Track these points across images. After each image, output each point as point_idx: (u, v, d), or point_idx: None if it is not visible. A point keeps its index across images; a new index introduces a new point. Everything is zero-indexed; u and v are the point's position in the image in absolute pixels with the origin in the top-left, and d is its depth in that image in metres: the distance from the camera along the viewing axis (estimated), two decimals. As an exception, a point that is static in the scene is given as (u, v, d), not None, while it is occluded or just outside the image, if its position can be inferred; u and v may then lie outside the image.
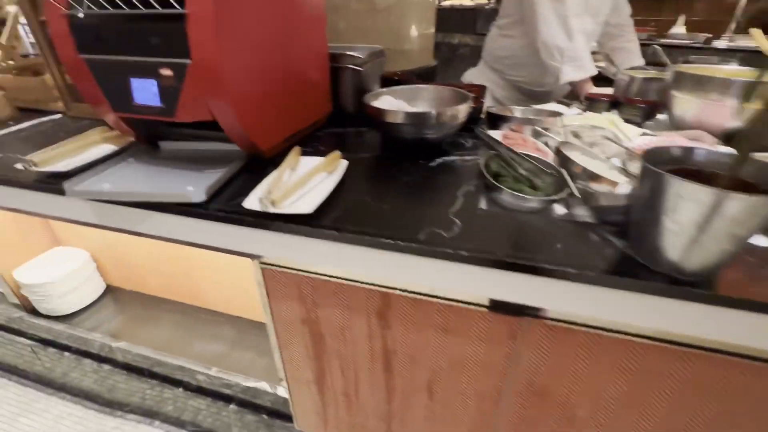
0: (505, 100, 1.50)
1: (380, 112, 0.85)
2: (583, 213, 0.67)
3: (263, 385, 0.98)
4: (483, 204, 0.68)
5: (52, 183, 0.75)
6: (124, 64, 0.71)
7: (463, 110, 0.85)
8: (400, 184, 0.75)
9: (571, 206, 0.69)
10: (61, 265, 1.21)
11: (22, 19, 1.41)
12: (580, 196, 0.68)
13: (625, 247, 0.56)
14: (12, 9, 1.38)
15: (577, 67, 1.32)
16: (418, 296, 0.64)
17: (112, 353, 1.15)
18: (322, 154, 0.84)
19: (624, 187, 0.76)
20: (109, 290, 1.34)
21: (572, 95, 1.67)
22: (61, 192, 0.73)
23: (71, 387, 1.38)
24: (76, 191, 0.68)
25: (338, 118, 1.12)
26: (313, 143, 0.96)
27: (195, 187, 0.71)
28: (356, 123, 1.13)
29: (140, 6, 0.64)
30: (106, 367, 1.18)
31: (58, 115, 1.22)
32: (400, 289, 0.64)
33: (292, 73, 0.88)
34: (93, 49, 0.72)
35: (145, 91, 0.72)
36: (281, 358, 0.86)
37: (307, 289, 0.71)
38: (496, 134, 0.99)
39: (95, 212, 0.76)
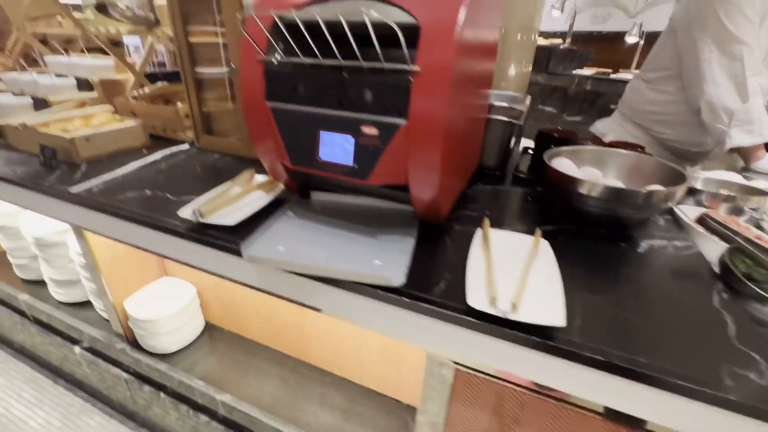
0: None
1: (572, 180, 0.72)
2: None
3: (390, 479, 0.84)
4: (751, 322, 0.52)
5: (218, 238, 0.68)
6: (318, 117, 0.63)
7: (680, 192, 0.70)
8: (622, 277, 0.61)
9: None
10: (169, 300, 1.15)
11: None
12: None
13: None
14: (150, 38, 1.41)
15: (748, 131, 1.15)
16: (688, 448, 0.48)
17: (213, 404, 1.06)
18: (494, 221, 0.73)
19: None
20: (208, 328, 1.27)
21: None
22: (230, 250, 0.66)
23: (153, 424, 1.31)
24: (254, 257, 0.60)
25: (478, 173, 1.02)
26: (471, 205, 0.84)
27: (383, 262, 0.61)
28: (498, 180, 1.01)
29: (360, 59, 0.56)
30: (203, 417, 1.09)
31: (185, 146, 1.19)
32: (663, 436, 0.49)
33: (471, 127, 0.78)
34: (284, 98, 0.65)
35: (335, 148, 0.64)
36: (435, 463, 0.72)
37: (512, 403, 0.58)
38: (690, 211, 0.83)
39: (259, 276, 0.68)
